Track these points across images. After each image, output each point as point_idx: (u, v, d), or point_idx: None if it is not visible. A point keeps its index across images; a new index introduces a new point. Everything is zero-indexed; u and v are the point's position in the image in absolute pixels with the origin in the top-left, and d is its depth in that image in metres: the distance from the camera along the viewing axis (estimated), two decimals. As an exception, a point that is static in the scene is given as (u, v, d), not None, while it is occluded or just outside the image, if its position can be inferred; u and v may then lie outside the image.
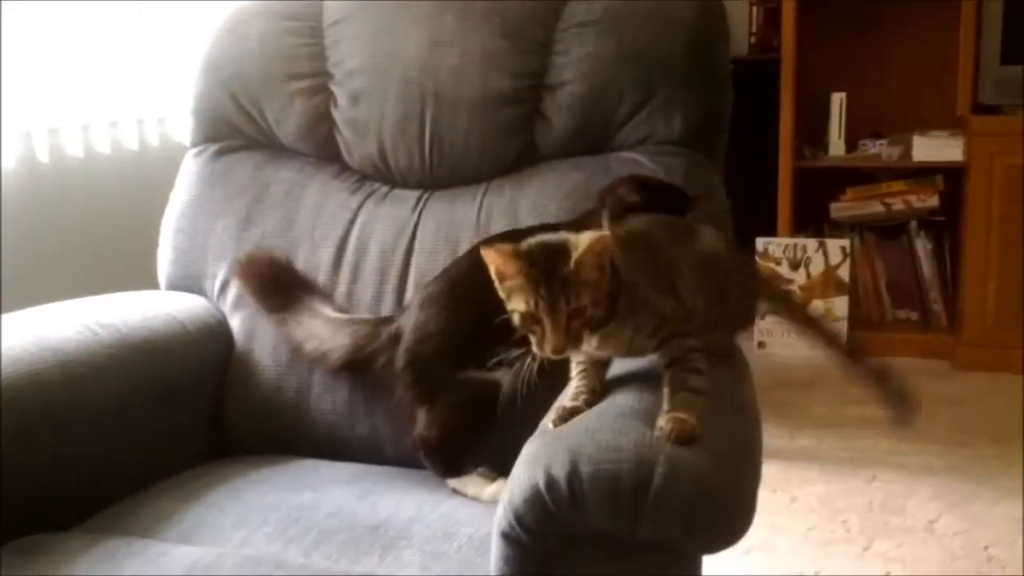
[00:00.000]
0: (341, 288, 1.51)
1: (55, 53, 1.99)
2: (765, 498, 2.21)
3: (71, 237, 2.10)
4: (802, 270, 3.28)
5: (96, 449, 1.28)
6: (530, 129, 1.53)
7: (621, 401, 0.99)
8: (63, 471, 1.23)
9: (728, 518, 0.89)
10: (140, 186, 2.19)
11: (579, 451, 0.90)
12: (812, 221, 3.40)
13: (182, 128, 2.24)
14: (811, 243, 3.28)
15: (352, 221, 1.55)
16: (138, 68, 2.20)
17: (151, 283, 1.65)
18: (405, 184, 1.58)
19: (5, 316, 1.34)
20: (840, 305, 3.25)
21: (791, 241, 3.28)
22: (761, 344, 3.27)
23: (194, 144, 1.67)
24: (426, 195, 1.56)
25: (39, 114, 1.98)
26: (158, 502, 1.24)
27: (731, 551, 2.09)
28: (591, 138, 1.51)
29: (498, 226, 1.48)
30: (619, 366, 1.18)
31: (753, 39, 3.53)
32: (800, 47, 3.24)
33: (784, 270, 3.28)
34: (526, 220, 1.47)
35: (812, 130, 3.37)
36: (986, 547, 2.04)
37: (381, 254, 1.52)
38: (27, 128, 1.96)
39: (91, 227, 2.14)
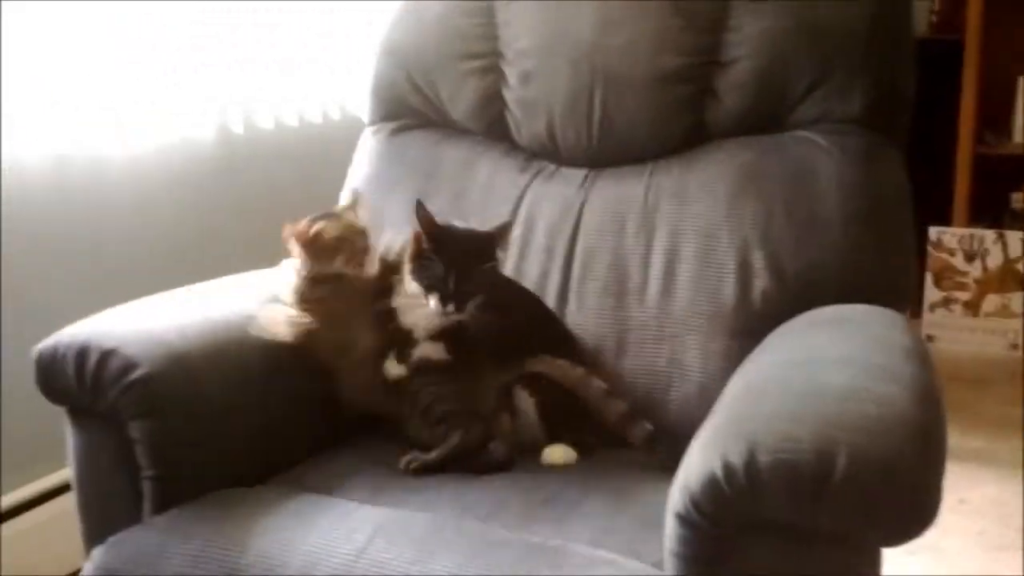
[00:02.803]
0: (509, 264, 1.54)
1: (250, 32, 2.12)
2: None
3: (259, 205, 2.23)
4: (978, 262, 3.10)
5: (284, 411, 1.35)
6: (700, 107, 1.51)
7: (797, 386, 0.97)
8: (254, 430, 1.31)
9: (912, 509, 0.87)
10: (323, 157, 2.31)
11: (756, 440, 0.89)
12: (991, 211, 3.21)
13: (360, 103, 2.36)
14: (989, 234, 3.10)
15: (520, 198, 1.58)
16: (323, 47, 2.31)
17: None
18: (572, 162, 1.59)
19: (199, 285, 1.43)
20: (1016, 301, 3.06)
21: (967, 231, 3.11)
22: (930, 338, 3.12)
23: (372, 122, 1.74)
24: (593, 173, 1.57)
25: (235, 88, 2.11)
26: (338, 463, 1.30)
27: (896, 551, 2.01)
28: (764, 116, 1.48)
29: (666, 204, 1.48)
30: (791, 342, 1.17)
31: (934, 18, 3.36)
32: (986, 27, 3.06)
33: (959, 262, 3.11)
34: (694, 199, 1.46)
35: (995, 116, 3.19)
36: None
37: (548, 231, 1.54)
38: (224, 101, 2.10)
39: (277, 196, 2.27)
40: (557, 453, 1.30)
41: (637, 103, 1.53)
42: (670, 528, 0.94)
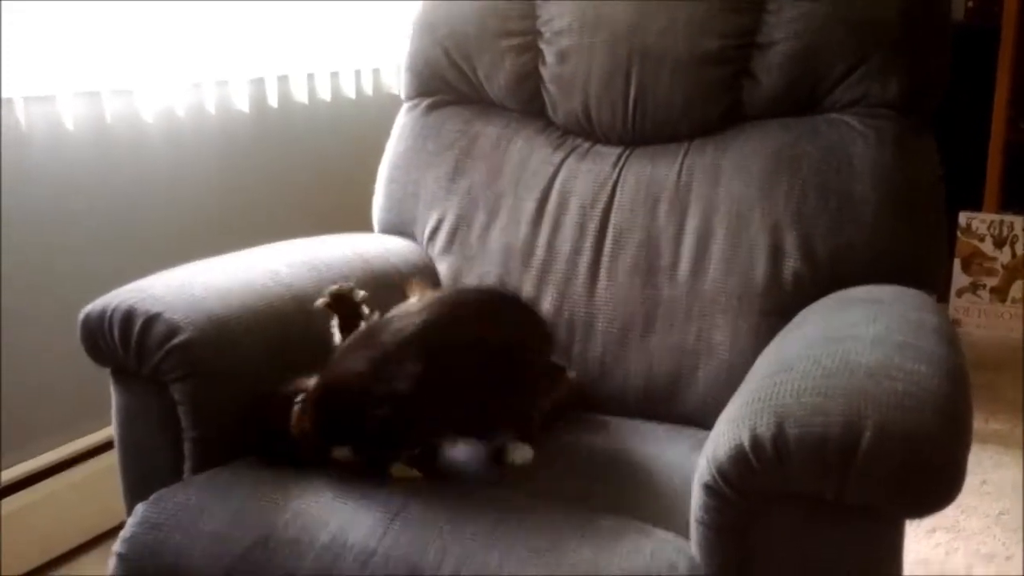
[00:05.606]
0: (541, 240, 1.57)
1: (284, 6, 2.14)
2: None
3: (293, 177, 2.27)
4: (1007, 249, 3.09)
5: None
6: (737, 88, 1.52)
7: (827, 362, 0.99)
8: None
9: (937, 482, 0.88)
10: (355, 131, 2.35)
11: (785, 412, 0.91)
12: (1022, 198, 3.19)
13: (393, 78, 2.39)
14: (1019, 221, 3.08)
15: (555, 175, 1.59)
16: (357, 22, 2.34)
17: (363, 218, 1.76)
18: (607, 141, 1.61)
19: (239, 252, 1.46)
20: (1046, 288, 3.05)
21: (997, 217, 3.09)
22: (956, 322, 3.12)
23: (408, 98, 1.75)
24: (627, 152, 1.58)
25: (271, 62, 2.14)
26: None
27: (915, 529, 2.02)
28: (800, 98, 1.49)
29: (699, 184, 1.49)
30: (821, 320, 1.18)
31: (970, 3, 3.33)
32: (1022, 14, 3.02)
33: (987, 247, 3.10)
34: (728, 179, 1.47)
35: (1030, 101, 3.16)
36: None
37: (581, 208, 1.56)
38: (259, 75, 2.14)
39: (310, 168, 2.31)
40: (520, 453, 1.24)
41: (673, 83, 1.54)
42: (696, 497, 0.96)
